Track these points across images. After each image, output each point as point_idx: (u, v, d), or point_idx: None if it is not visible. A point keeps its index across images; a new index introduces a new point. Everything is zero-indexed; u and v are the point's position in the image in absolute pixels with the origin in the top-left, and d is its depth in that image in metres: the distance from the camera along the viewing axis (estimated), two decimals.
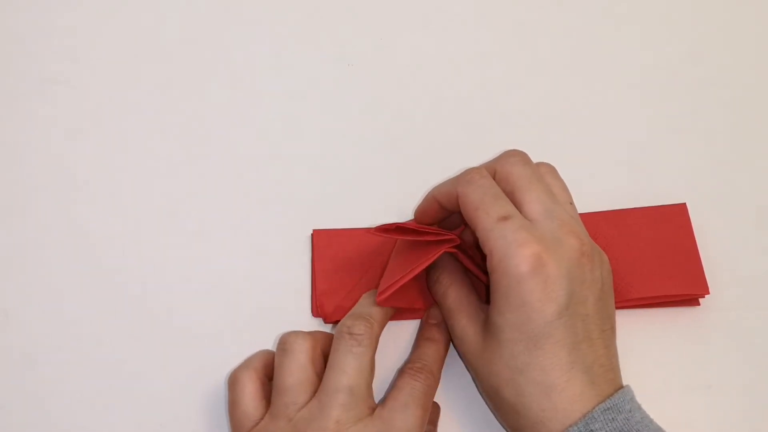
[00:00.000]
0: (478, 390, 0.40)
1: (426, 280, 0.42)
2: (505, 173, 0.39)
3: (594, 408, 0.34)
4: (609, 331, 0.37)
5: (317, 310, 0.43)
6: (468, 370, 0.41)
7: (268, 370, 0.39)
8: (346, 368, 0.36)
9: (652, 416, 0.36)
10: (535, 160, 0.46)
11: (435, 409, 0.40)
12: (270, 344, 0.42)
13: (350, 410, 0.35)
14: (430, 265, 0.41)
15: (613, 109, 0.49)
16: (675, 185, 0.47)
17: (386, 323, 0.40)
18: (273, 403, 0.37)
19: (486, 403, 0.40)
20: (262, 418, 0.37)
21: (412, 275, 0.38)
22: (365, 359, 0.37)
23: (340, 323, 0.38)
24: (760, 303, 0.43)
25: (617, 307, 0.41)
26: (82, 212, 0.46)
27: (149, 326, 0.43)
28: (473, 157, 0.47)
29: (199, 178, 0.47)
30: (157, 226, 0.45)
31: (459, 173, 0.39)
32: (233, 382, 0.38)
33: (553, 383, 0.35)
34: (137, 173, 0.47)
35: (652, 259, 0.43)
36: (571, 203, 0.40)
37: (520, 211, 0.37)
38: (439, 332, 0.41)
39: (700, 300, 0.43)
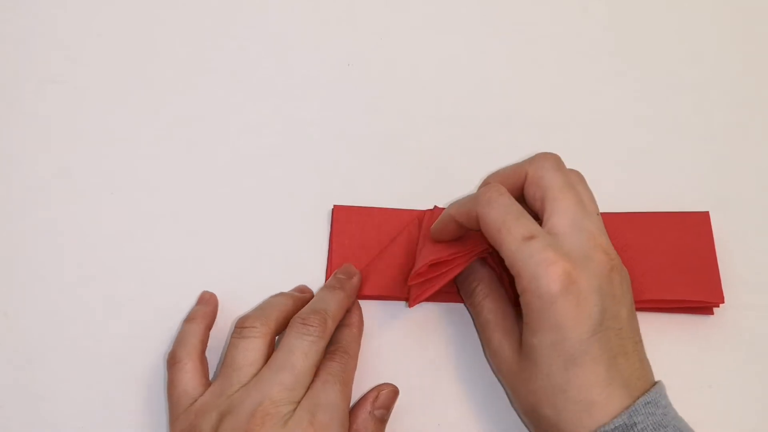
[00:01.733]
0: (513, 406, 0.40)
1: (458, 285, 0.42)
2: (537, 177, 0.38)
3: (635, 401, 0.34)
4: (640, 344, 0.37)
5: None
6: (502, 385, 0.40)
7: (205, 347, 0.40)
8: (293, 350, 0.37)
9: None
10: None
11: (390, 393, 0.40)
12: None
13: (288, 391, 0.36)
14: (465, 274, 0.41)
15: (616, 110, 0.49)
16: (676, 186, 0.47)
17: (341, 317, 0.40)
18: (217, 381, 0.37)
19: (522, 419, 0.40)
20: (201, 396, 0.37)
21: (445, 281, 0.39)
22: (314, 348, 0.37)
23: (296, 314, 0.39)
24: (763, 304, 0.44)
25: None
26: (83, 212, 0.46)
27: (150, 325, 0.43)
28: (473, 157, 0.47)
29: (199, 178, 0.47)
30: (158, 225, 0.45)
31: (476, 190, 0.39)
32: (172, 361, 0.39)
33: (594, 400, 0.34)
34: (137, 173, 0.47)
35: (670, 263, 0.43)
36: (598, 214, 0.38)
37: (549, 221, 0.37)
38: (350, 317, 0.41)
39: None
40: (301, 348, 0.37)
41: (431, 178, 0.47)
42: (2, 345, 0.43)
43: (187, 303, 0.43)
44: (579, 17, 0.52)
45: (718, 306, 0.43)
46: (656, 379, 0.37)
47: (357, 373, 0.41)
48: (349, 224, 0.44)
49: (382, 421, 0.40)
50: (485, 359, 0.42)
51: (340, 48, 0.51)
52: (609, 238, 0.38)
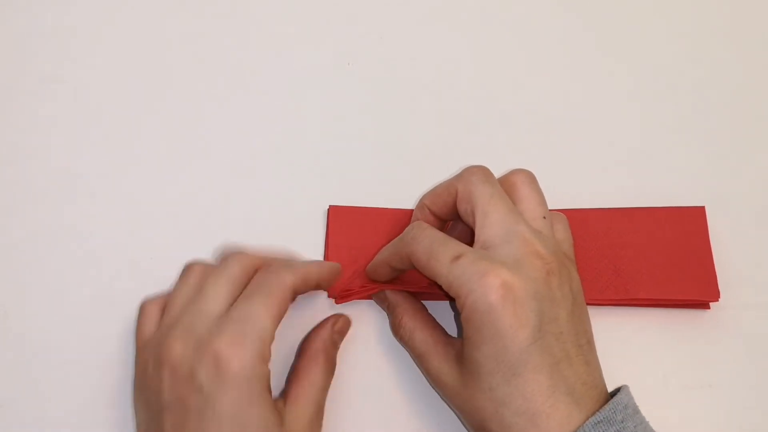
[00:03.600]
0: (465, 426, 0.40)
1: (389, 321, 0.42)
2: (466, 193, 0.38)
3: (584, 423, 0.33)
4: (586, 346, 0.36)
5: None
6: (450, 407, 0.40)
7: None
8: (211, 272, 0.38)
9: (653, 415, 0.36)
10: (535, 159, 0.47)
11: (347, 321, 0.41)
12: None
13: (201, 311, 0.36)
14: (392, 308, 0.41)
15: (615, 108, 0.49)
16: (676, 186, 0.47)
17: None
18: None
19: None
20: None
21: (366, 294, 0.41)
22: (234, 268, 0.38)
23: None
24: (763, 302, 0.44)
25: (624, 305, 0.41)
26: (83, 212, 0.46)
27: None
28: (473, 157, 0.47)
29: (199, 178, 0.47)
30: (158, 224, 0.45)
31: (403, 233, 0.39)
32: (140, 310, 0.40)
33: (538, 410, 0.34)
34: (138, 173, 0.47)
35: (665, 260, 0.43)
36: (545, 217, 0.38)
37: (481, 234, 0.37)
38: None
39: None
40: (215, 272, 0.38)
41: (430, 177, 0.46)
42: (2, 344, 0.43)
43: None
44: (578, 17, 0.52)
45: (716, 301, 0.42)
46: (650, 384, 0.37)
47: (357, 372, 0.41)
48: (344, 224, 0.44)
49: (336, 346, 0.41)
50: None
51: (340, 48, 0.51)
52: (569, 236, 0.39)
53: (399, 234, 0.43)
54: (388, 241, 0.43)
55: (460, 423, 0.40)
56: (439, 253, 0.36)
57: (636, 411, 0.35)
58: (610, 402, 0.35)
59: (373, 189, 0.46)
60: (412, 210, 0.44)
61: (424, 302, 0.42)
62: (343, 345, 0.42)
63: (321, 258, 0.44)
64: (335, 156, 0.47)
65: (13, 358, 0.42)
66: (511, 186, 0.39)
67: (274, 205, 0.46)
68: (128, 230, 0.45)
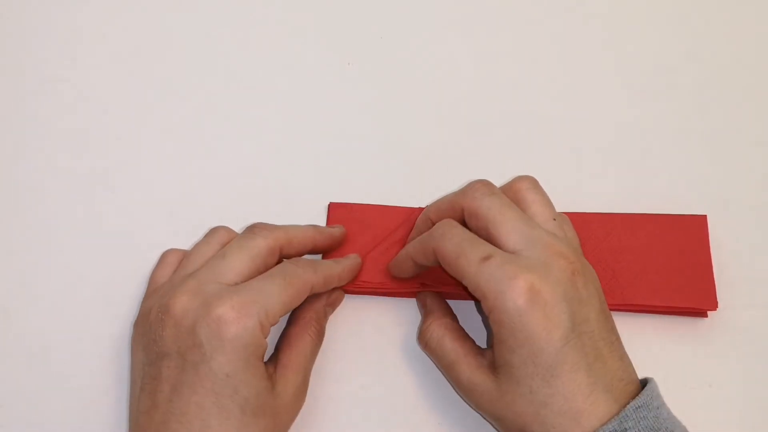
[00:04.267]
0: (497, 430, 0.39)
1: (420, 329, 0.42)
2: (473, 210, 0.38)
3: (626, 406, 0.34)
4: (617, 342, 0.37)
5: None
6: (485, 417, 0.39)
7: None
8: (236, 240, 0.40)
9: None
10: (534, 160, 0.47)
11: (341, 294, 0.42)
12: None
13: (217, 272, 0.37)
14: (425, 311, 0.42)
15: (616, 111, 0.49)
16: (677, 188, 0.47)
17: (304, 246, 0.41)
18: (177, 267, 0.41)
19: None
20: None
21: (384, 292, 0.42)
22: (254, 243, 0.39)
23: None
24: (762, 302, 0.44)
25: (621, 310, 0.41)
26: (84, 211, 0.46)
27: None
28: (473, 157, 0.47)
29: (199, 177, 0.47)
30: (158, 223, 0.45)
31: (431, 228, 0.39)
32: (161, 257, 0.42)
33: (579, 408, 0.34)
34: (138, 171, 0.47)
35: (664, 266, 0.43)
36: (555, 219, 0.39)
37: (500, 246, 0.37)
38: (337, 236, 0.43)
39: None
40: (239, 243, 0.39)
41: (430, 177, 0.47)
42: (3, 343, 0.43)
43: None
44: (579, 17, 0.52)
45: (713, 310, 0.42)
46: (650, 376, 0.37)
47: (356, 370, 0.41)
48: (344, 221, 0.44)
49: (326, 316, 0.42)
50: None
51: (340, 48, 0.51)
52: (575, 235, 0.39)
53: (398, 231, 0.43)
54: (387, 239, 0.43)
55: (462, 423, 0.40)
56: (468, 252, 0.36)
57: (663, 401, 0.36)
58: (647, 388, 0.35)
59: (373, 187, 0.46)
60: (412, 208, 0.44)
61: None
62: (343, 346, 0.42)
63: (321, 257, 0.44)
64: (336, 154, 0.48)
65: (14, 357, 0.42)
66: (516, 193, 0.39)
67: (275, 201, 0.46)
68: (129, 229, 0.45)
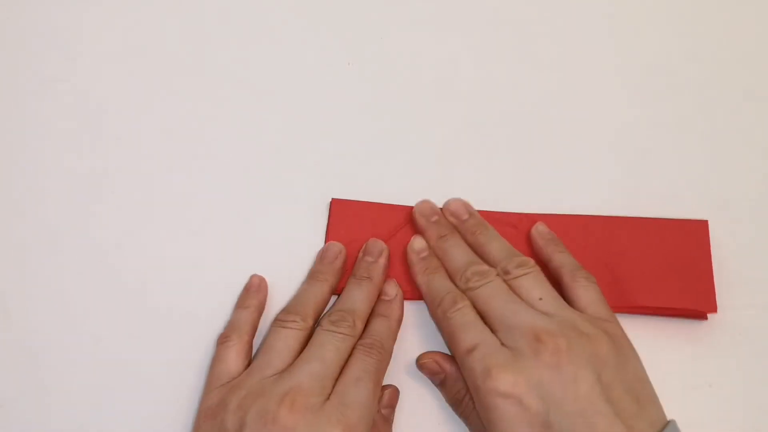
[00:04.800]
0: None
1: (445, 392, 0.41)
2: (469, 297, 0.40)
3: None
4: (632, 408, 0.35)
5: None
6: None
7: (254, 332, 0.42)
8: (324, 344, 0.38)
9: None
10: (534, 160, 0.47)
11: (393, 392, 0.41)
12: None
13: (317, 381, 0.37)
14: (452, 380, 0.40)
15: (618, 113, 0.49)
16: (677, 190, 0.47)
17: (371, 307, 0.41)
18: (254, 363, 0.39)
19: None
20: (238, 376, 0.39)
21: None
22: (344, 344, 0.39)
23: (326, 314, 0.40)
24: (762, 302, 0.43)
25: (622, 311, 0.41)
26: (84, 211, 0.46)
27: (151, 323, 0.43)
28: (473, 157, 0.47)
29: (199, 177, 0.47)
30: (158, 223, 0.45)
31: (443, 299, 0.40)
32: (222, 339, 0.41)
33: None
34: (138, 172, 0.47)
35: (665, 270, 0.43)
36: (541, 298, 0.39)
37: (494, 332, 0.38)
38: (390, 308, 0.42)
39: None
40: (333, 343, 0.39)
41: (430, 177, 0.47)
42: (4, 343, 0.43)
43: (186, 300, 0.43)
44: (578, 17, 0.52)
45: (713, 312, 0.42)
46: (672, 418, 0.36)
47: None
48: (346, 218, 0.44)
49: (388, 421, 0.40)
50: None
51: (340, 47, 0.51)
52: (593, 298, 0.40)
53: (401, 231, 0.44)
54: (390, 238, 0.44)
55: (461, 423, 0.40)
56: (458, 340, 0.38)
57: None
58: None
59: (373, 187, 0.46)
60: (413, 207, 0.45)
61: None
62: None
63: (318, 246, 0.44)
64: (336, 154, 0.47)
65: (14, 357, 0.42)
66: (506, 277, 0.40)
67: (275, 201, 0.46)
68: (129, 229, 0.45)
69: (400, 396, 0.41)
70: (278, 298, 0.43)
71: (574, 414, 0.35)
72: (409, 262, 0.43)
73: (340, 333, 0.39)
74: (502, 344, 0.37)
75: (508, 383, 0.35)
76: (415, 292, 0.43)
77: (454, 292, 0.40)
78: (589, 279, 0.41)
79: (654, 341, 0.42)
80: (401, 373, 0.42)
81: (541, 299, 0.39)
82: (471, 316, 0.39)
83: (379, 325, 0.41)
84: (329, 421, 0.35)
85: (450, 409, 0.41)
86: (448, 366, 0.40)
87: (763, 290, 0.44)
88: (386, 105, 0.49)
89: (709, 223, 0.44)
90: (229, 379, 0.39)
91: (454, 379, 0.40)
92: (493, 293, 0.39)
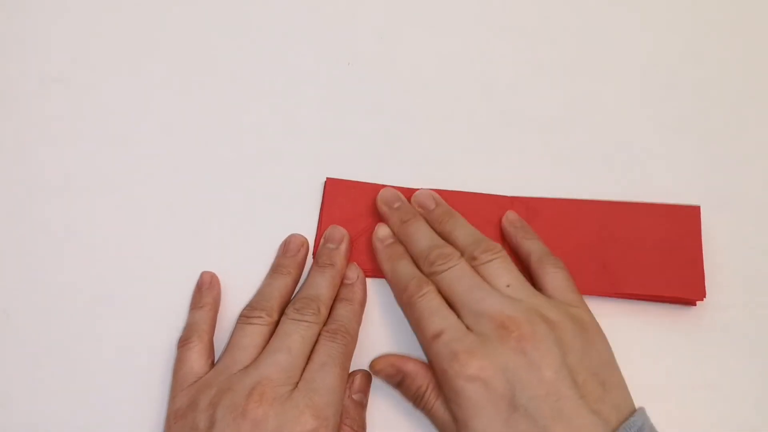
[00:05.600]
0: None
1: (404, 389, 0.40)
2: (434, 282, 0.40)
3: None
4: (597, 391, 0.36)
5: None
6: None
7: (213, 330, 0.42)
8: (290, 333, 0.39)
9: (653, 415, 0.36)
10: (531, 156, 0.47)
11: (364, 376, 0.41)
12: None
13: (284, 371, 0.37)
14: (411, 378, 0.40)
15: (617, 110, 0.49)
16: (673, 184, 0.47)
17: (335, 293, 0.42)
18: (220, 361, 0.39)
19: None
20: (204, 375, 0.39)
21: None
22: (309, 332, 0.39)
23: (291, 302, 0.41)
24: (761, 302, 0.43)
25: (611, 296, 0.42)
26: (83, 210, 0.46)
27: (150, 323, 0.43)
28: (473, 157, 0.47)
29: (201, 177, 0.47)
30: (158, 223, 0.45)
31: (409, 283, 0.40)
32: (182, 342, 0.41)
33: None
34: (138, 172, 0.47)
35: (655, 255, 0.43)
36: (509, 285, 0.39)
37: (460, 317, 0.38)
38: (353, 292, 0.42)
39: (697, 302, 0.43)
40: (298, 332, 0.39)
41: (431, 177, 0.47)
42: (3, 343, 0.43)
43: (187, 301, 0.43)
44: (578, 17, 0.52)
45: (701, 300, 0.42)
46: (649, 384, 0.36)
47: (355, 369, 0.41)
48: (340, 197, 0.45)
49: (362, 405, 0.40)
50: None
51: (340, 47, 0.51)
52: (559, 284, 0.40)
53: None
54: (382, 218, 0.44)
55: None
56: (423, 326, 0.38)
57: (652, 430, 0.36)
58: (619, 428, 0.35)
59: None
60: (408, 188, 0.45)
61: None
62: None
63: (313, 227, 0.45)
64: (335, 154, 0.47)
65: (14, 357, 0.42)
66: (473, 262, 0.40)
67: (275, 201, 0.46)
68: (129, 229, 0.45)
69: (397, 395, 0.41)
70: None
71: (540, 398, 0.35)
72: (374, 251, 0.43)
73: (305, 321, 0.39)
74: (468, 329, 0.37)
75: (474, 367, 0.35)
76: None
77: (418, 278, 0.40)
78: (557, 265, 0.41)
79: (654, 341, 0.42)
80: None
81: (508, 286, 0.39)
82: (436, 301, 0.39)
83: (342, 310, 0.41)
84: (297, 408, 0.36)
85: None
86: (405, 366, 0.40)
87: (764, 290, 0.44)
88: (386, 105, 0.49)
89: (710, 223, 0.44)
90: (195, 380, 0.39)
91: (412, 377, 0.39)
92: (457, 277, 0.39)
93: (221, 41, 0.51)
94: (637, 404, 0.37)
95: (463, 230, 0.42)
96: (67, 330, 0.43)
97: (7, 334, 0.43)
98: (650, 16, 0.52)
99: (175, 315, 0.43)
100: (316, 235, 0.44)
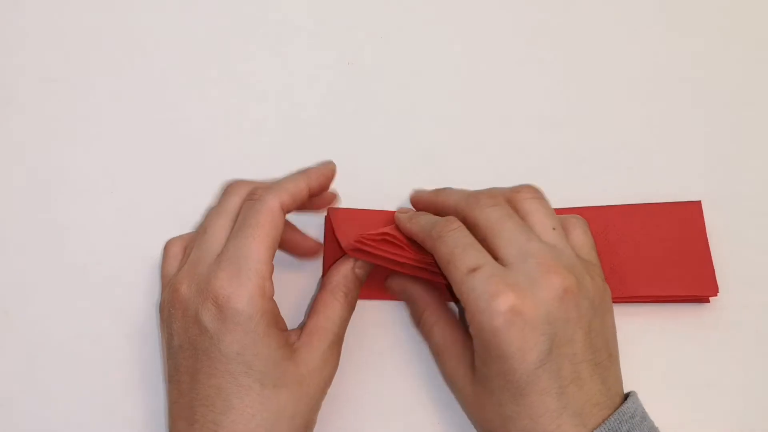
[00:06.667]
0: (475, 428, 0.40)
1: (409, 310, 0.42)
2: (473, 220, 0.38)
3: None
4: (606, 361, 0.36)
5: None
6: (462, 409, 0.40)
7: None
8: (214, 210, 0.39)
9: (653, 415, 0.36)
10: (532, 158, 0.47)
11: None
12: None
13: (204, 249, 0.37)
14: (413, 300, 0.41)
15: (618, 109, 0.49)
16: (674, 184, 0.47)
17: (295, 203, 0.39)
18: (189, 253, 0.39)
19: None
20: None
21: (391, 263, 0.39)
22: (234, 200, 0.39)
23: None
24: (762, 302, 0.43)
25: (623, 302, 0.41)
26: (82, 210, 0.46)
27: (150, 326, 0.43)
28: (473, 157, 0.47)
29: (200, 177, 0.47)
30: (158, 223, 0.45)
31: (433, 224, 0.39)
32: (165, 248, 0.41)
33: (544, 430, 0.34)
34: (137, 172, 0.47)
35: (662, 256, 0.43)
36: (554, 228, 0.38)
37: (496, 257, 0.36)
38: (305, 173, 0.41)
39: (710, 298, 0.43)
40: (216, 210, 0.39)
41: (431, 177, 0.47)
42: (3, 343, 0.43)
43: None
44: (578, 17, 0.52)
45: (714, 295, 0.42)
46: (649, 384, 0.37)
47: (354, 371, 0.41)
48: (343, 226, 0.43)
49: (361, 281, 0.41)
50: None
51: (340, 47, 0.51)
52: (585, 242, 0.38)
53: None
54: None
55: (459, 423, 0.40)
56: (458, 260, 0.36)
57: (644, 417, 0.35)
58: (615, 413, 0.34)
59: (373, 186, 0.46)
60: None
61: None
62: (351, 344, 0.41)
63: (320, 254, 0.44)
64: (335, 154, 0.47)
65: (14, 357, 0.42)
66: (516, 204, 0.39)
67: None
68: (129, 228, 0.45)
69: (397, 395, 0.41)
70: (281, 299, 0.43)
71: (567, 356, 0.34)
72: (397, 222, 0.41)
73: (227, 197, 0.39)
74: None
75: (517, 305, 0.34)
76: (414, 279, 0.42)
77: (447, 218, 0.38)
78: (581, 219, 0.40)
79: (654, 341, 0.42)
80: (399, 373, 0.42)
81: (554, 229, 0.38)
82: (469, 238, 0.37)
83: (279, 180, 0.40)
84: (210, 280, 0.35)
85: (446, 409, 0.41)
86: (411, 287, 0.41)
87: (764, 289, 0.44)
88: (386, 105, 0.49)
89: (709, 220, 0.44)
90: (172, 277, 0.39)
91: (415, 298, 0.40)
92: (502, 215, 0.37)
93: (220, 41, 0.51)
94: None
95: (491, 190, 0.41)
96: (67, 330, 0.43)
97: (7, 334, 0.43)
98: (650, 16, 0.52)
99: None
100: (323, 265, 0.44)
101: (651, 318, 0.43)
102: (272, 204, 0.37)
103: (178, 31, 0.51)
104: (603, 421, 0.34)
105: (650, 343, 0.42)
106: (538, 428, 0.34)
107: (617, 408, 0.35)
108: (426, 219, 0.39)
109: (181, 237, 0.41)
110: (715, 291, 0.42)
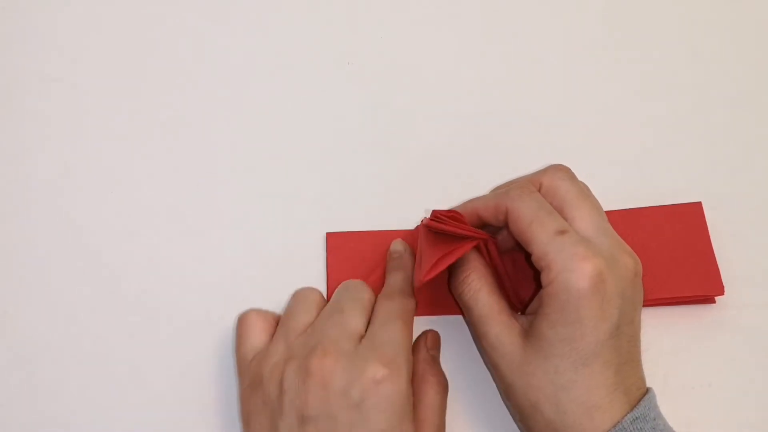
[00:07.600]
0: (504, 401, 0.40)
1: (449, 279, 0.41)
2: (553, 188, 0.38)
3: (623, 417, 0.34)
4: (640, 350, 0.38)
5: None
6: (496, 380, 0.39)
7: (276, 317, 0.41)
8: (340, 299, 0.39)
9: (664, 413, 0.37)
10: (533, 159, 0.47)
11: (434, 334, 0.41)
12: None
13: (343, 330, 0.37)
14: (456, 264, 0.40)
15: (618, 109, 0.49)
16: (675, 185, 0.47)
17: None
18: (277, 331, 0.39)
19: (513, 416, 0.39)
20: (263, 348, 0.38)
21: (451, 260, 0.38)
22: (360, 295, 0.39)
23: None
24: (762, 301, 0.43)
25: None
26: (82, 211, 0.46)
27: (150, 326, 0.43)
28: (474, 157, 0.47)
29: (200, 177, 0.47)
30: (157, 226, 0.45)
31: (498, 188, 0.40)
32: (243, 319, 0.40)
33: (597, 403, 0.34)
34: (137, 172, 0.47)
35: (666, 258, 0.43)
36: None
37: (573, 227, 0.37)
38: (401, 261, 0.42)
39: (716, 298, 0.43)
40: (348, 296, 0.39)
41: (430, 177, 0.47)
42: (3, 343, 0.43)
43: (186, 301, 0.43)
44: (578, 16, 0.52)
45: (721, 295, 0.42)
46: (650, 384, 0.37)
47: None
48: (344, 250, 0.44)
49: (437, 361, 0.40)
50: (481, 366, 0.41)
51: (340, 47, 0.51)
52: None
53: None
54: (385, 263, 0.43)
55: (458, 422, 0.40)
56: (545, 220, 0.36)
57: (659, 412, 0.36)
58: (645, 399, 0.35)
59: (373, 187, 0.46)
60: (409, 231, 0.44)
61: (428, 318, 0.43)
62: None
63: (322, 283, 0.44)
64: (335, 154, 0.47)
65: (13, 357, 0.42)
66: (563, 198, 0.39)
67: (274, 202, 0.46)
68: (129, 229, 0.45)
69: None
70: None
71: (627, 336, 0.36)
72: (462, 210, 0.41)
73: (355, 289, 0.40)
74: None
75: (604, 273, 0.34)
76: (442, 308, 0.42)
77: (520, 184, 0.39)
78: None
79: (654, 341, 0.42)
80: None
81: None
82: (549, 205, 0.38)
83: (393, 278, 0.41)
84: (365, 359, 0.35)
85: (446, 409, 0.41)
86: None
87: (764, 289, 0.44)
88: (386, 105, 0.49)
89: (710, 221, 0.44)
90: (255, 355, 0.38)
91: (462, 260, 0.39)
92: (585, 192, 0.39)
93: (221, 41, 0.51)
94: None
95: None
96: (67, 330, 0.43)
97: (7, 334, 0.43)
98: (650, 16, 0.52)
99: (176, 313, 0.43)
100: (327, 289, 0.43)
101: (650, 318, 0.43)
102: (412, 306, 0.40)
103: (178, 31, 0.51)
104: (638, 403, 0.35)
105: (650, 343, 0.42)
106: (592, 400, 0.34)
107: (645, 394, 0.36)
108: (487, 195, 0.40)
109: (260, 312, 0.40)
110: (721, 290, 0.42)
